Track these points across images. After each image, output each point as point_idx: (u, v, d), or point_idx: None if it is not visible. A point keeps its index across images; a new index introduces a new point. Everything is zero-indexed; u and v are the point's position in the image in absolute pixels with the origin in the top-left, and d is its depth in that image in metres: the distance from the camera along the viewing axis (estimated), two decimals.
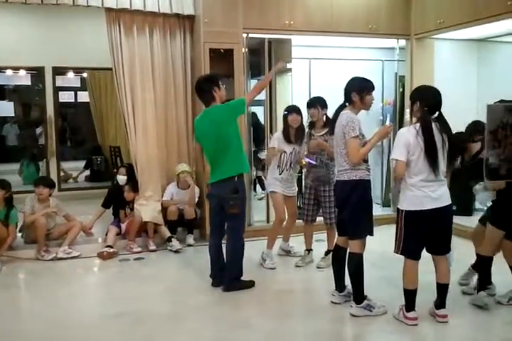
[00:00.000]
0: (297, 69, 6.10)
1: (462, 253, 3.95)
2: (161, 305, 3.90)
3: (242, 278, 4.14)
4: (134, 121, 5.47)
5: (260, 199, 6.39)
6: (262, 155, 5.89)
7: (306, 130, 4.70)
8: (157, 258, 5.14)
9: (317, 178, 4.54)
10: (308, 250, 4.80)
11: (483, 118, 3.46)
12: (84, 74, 8.88)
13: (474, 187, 3.74)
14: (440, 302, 3.42)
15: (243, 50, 5.47)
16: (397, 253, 3.39)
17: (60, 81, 8.04)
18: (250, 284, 4.16)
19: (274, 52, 5.87)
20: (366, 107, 3.58)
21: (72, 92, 9.01)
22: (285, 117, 4.69)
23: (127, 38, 5.38)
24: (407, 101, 4.67)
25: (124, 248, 5.28)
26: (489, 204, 3.80)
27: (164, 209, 5.49)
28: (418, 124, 3.26)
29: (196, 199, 5.49)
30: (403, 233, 3.32)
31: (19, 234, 5.20)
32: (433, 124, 3.25)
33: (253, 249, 4.62)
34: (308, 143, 4.62)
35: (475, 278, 3.89)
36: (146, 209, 5.43)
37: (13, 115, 10.27)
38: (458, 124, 3.83)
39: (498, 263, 3.71)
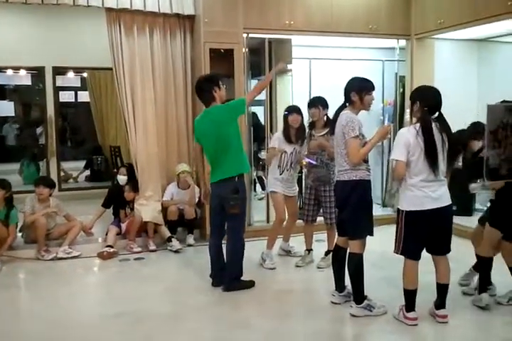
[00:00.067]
0: (297, 69, 6.10)
1: (462, 253, 3.94)
2: (161, 305, 3.90)
3: (242, 278, 4.15)
4: (135, 121, 5.47)
5: (260, 199, 6.39)
6: (262, 155, 5.89)
7: (307, 130, 4.70)
8: (157, 258, 5.14)
9: (317, 178, 4.54)
10: (309, 250, 4.80)
11: (484, 119, 3.46)
12: (85, 74, 8.88)
13: (470, 185, 3.71)
14: (440, 303, 3.42)
15: (243, 50, 5.47)
16: (397, 253, 3.39)
17: (61, 81, 8.05)
18: (250, 284, 4.16)
19: (274, 52, 5.88)
20: (366, 107, 3.58)
21: (73, 92, 9.02)
22: (286, 117, 4.69)
23: (127, 38, 5.38)
24: (407, 102, 4.66)
25: (124, 248, 5.28)
26: (488, 204, 3.80)
27: (164, 209, 5.49)
28: (418, 124, 3.26)
29: (196, 200, 5.49)
30: (403, 233, 3.32)
31: (19, 234, 5.21)
32: (433, 124, 3.25)
33: (253, 249, 4.62)
34: (309, 143, 4.62)
35: (475, 278, 3.88)
36: (147, 209, 5.43)
37: (13, 115, 10.28)
38: (458, 124, 3.84)
39: (498, 263, 3.70)
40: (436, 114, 3.31)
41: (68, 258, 5.00)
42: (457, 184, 3.68)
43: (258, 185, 6.64)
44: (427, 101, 3.28)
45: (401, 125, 6.18)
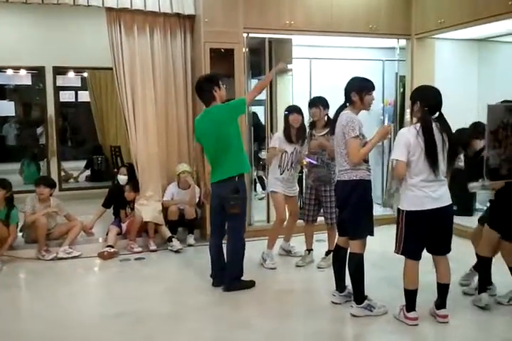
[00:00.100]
0: (298, 69, 6.10)
1: (462, 253, 3.94)
2: (161, 305, 3.90)
3: (243, 278, 4.15)
4: (135, 121, 5.47)
5: (261, 199, 6.39)
6: (263, 155, 5.89)
7: (307, 130, 4.70)
8: (158, 258, 5.14)
9: (318, 178, 4.54)
10: (309, 250, 4.80)
11: (484, 119, 3.46)
12: (85, 74, 8.88)
13: (469, 184, 3.68)
14: (440, 303, 3.42)
15: (243, 49, 5.47)
16: (397, 253, 3.39)
17: (61, 80, 8.03)
18: (251, 284, 4.16)
19: (274, 52, 5.87)
20: (366, 107, 3.58)
21: (73, 92, 9.01)
22: (286, 117, 4.69)
23: (128, 38, 5.38)
24: (408, 102, 4.66)
25: (124, 248, 5.28)
26: (488, 204, 3.80)
27: (165, 209, 5.49)
28: (418, 124, 3.26)
29: (197, 199, 5.49)
30: (403, 233, 3.32)
31: (20, 234, 5.21)
32: (433, 124, 3.25)
33: (253, 249, 4.61)
34: (309, 143, 4.62)
35: (476, 278, 3.88)
36: (147, 209, 5.43)
37: (13, 115, 10.27)
38: (458, 124, 3.83)
39: (498, 263, 3.70)
40: (437, 113, 3.30)
41: (69, 258, 5.00)
42: (457, 184, 3.68)
43: (258, 185, 6.64)
44: (427, 101, 3.27)
45: (401, 125, 6.18)
